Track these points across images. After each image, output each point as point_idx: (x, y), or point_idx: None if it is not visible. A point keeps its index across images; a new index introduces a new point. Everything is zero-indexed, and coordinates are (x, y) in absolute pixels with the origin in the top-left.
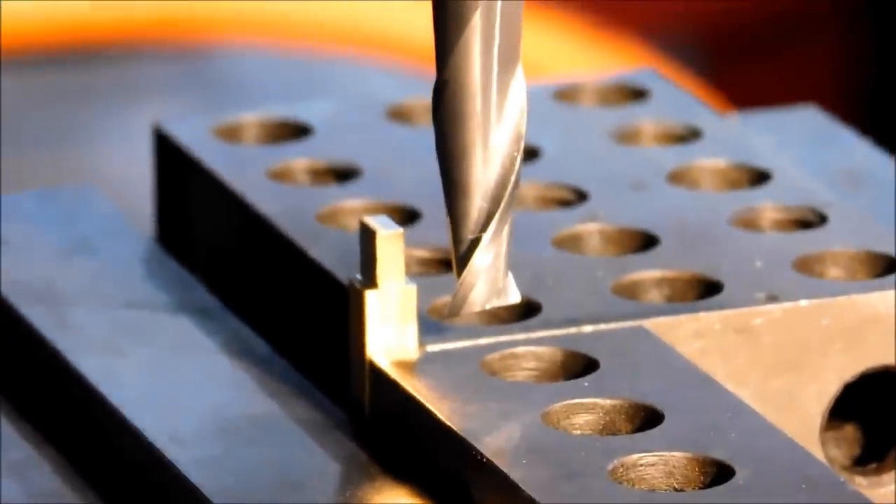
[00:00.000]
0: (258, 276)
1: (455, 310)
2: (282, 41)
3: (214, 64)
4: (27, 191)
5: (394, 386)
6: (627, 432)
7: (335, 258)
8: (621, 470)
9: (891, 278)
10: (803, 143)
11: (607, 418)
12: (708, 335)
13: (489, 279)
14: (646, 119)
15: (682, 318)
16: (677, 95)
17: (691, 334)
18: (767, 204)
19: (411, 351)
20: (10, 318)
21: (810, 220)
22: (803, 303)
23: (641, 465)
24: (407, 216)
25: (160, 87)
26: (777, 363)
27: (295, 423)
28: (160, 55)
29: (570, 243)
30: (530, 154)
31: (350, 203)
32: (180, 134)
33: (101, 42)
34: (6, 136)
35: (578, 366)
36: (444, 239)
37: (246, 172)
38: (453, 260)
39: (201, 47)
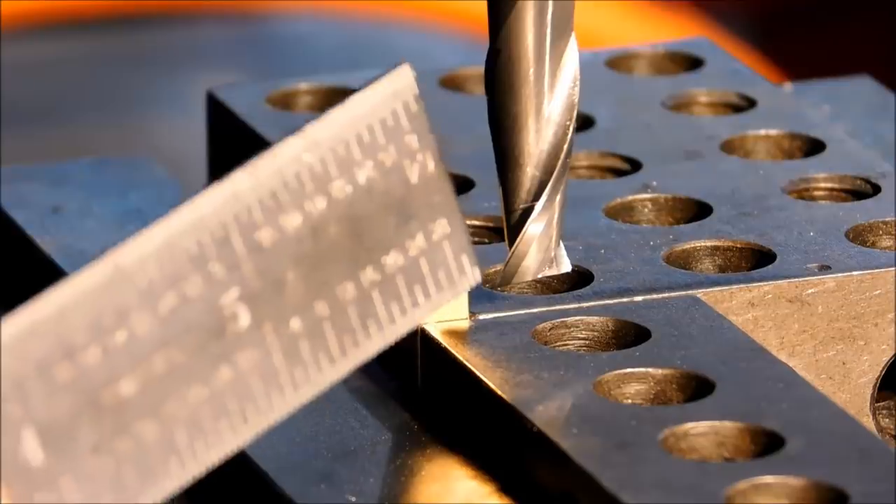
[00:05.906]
0: None
1: (507, 279)
2: (339, 6)
3: (270, 29)
4: (82, 159)
5: (445, 355)
6: (679, 402)
7: None
8: (672, 439)
9: None
10: (857, 113)
11: (658, 388)
12: (761, 305)
13: (541, 248)
14: (699, 88)
15: (735, 287)
16: (731, 65)
17: (744, 304)
18: (821, 174)
19: (463, 320)
20: None
21: (863, 191)
22: (856, 273)
23: (692, 435)
24: (459, 185)
25: (215, 53)
26: (829, 333)
27: (348, 392)
28: (216, 20)
29: (623, 212)
30: (583, 123)
31: None
32: (234, 101)
33: (156, 7)
34: (61, 103)
35: (630, 335)
36: (496, 208)
37: None
38: (505, 229)
39: (257, 12)
